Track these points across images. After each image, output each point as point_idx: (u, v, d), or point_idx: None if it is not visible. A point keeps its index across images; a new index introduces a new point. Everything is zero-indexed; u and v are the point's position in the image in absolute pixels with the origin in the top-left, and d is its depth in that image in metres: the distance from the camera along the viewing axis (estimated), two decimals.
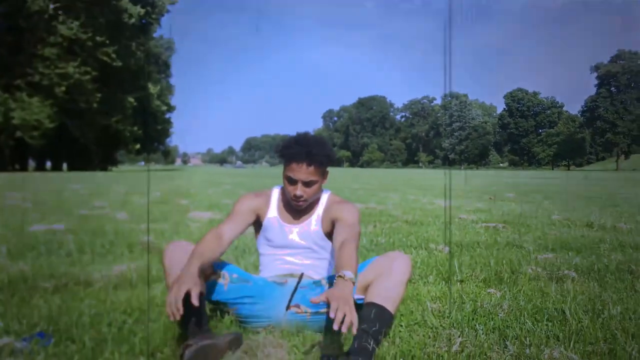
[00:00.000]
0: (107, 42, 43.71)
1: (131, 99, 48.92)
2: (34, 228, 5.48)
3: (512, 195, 12.42)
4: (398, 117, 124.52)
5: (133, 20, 46.29)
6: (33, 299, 2.77)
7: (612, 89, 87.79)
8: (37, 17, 40.46)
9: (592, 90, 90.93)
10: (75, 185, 16.35)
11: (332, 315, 1.65)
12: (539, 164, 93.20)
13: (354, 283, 1.87)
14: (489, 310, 2.59)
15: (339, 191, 2.51)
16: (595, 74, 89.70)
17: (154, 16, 50.88)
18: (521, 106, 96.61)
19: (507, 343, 2.12)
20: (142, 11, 47.09)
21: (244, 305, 2.30)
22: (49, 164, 53.05)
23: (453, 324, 2.38)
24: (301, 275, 2.32)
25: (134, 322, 2.37)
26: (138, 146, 58.46)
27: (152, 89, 54.29)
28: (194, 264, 2.03)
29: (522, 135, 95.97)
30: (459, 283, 3.22)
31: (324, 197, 2.48)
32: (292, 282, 2.32)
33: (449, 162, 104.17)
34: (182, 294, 1.83)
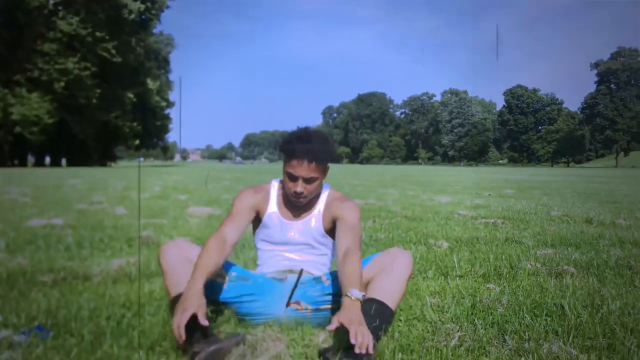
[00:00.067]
0: (107, 37, 43.65)
1: (130, 95, 48.89)
2: (33, 222, 5.47)
3: (511, 192, 12.43)
4: (397, 113, 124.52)
5: (133, 15, 46.23)
6: (32, 292, 2.77)
7: (612, 86, 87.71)
8: (37, 12, 40.38)
9: (592, 87, 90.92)
10: (73, 180, 16.34)
11: (352, 340, 1.73)
12: (538, 161, 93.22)
13: (361, 302, 1.89)
14: (488, 305, 2.59)
15: (339, 187, 2.49)
16: (595, 71, 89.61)
17: (153, 12, 50.76)
18: (521, 103, 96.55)
19: (506, 337, 2.12)
20: (142, 7, 47.00)
21: (243, 304, 2.28)
22: (48, 160, 53.00)
23: (452, 319, 2.38)
24: (301, 271, 2.33)
25: (132, 316, 2.37)
26: (137, 142, 58.47)
27: (152, 84, 54.23)
28: (199, 280, 1.97)
29: (522, 132, 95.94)
30: (458, 278, 3.22)
31: (325, 193, 2.45)
32: (292, 278, 2.31)
33: (448, 159, 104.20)
34: (186, 320, 1.80)
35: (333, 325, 1.78)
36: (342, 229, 2.27)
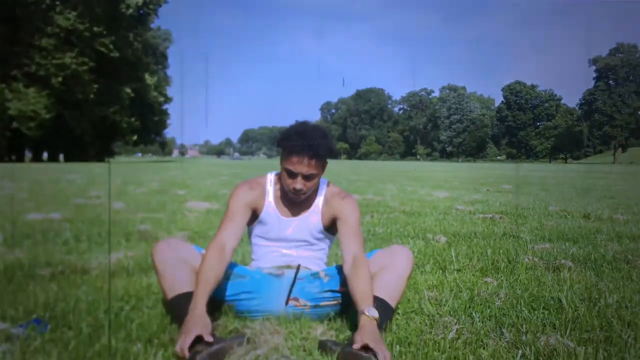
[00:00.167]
0: (105, 32, 43.52)
1: (128, 90, 48.77)
2: (30, 217, 5.47)
3: (509, 187, 12.45)
4: (396, 109, 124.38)
5: (130, 10, 46.09)
6: (29, 286, 2.76)
7: (611, 82, 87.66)
8: (34, 7, 40.22)
9: (590, 84, 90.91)
10: (71, 175, 16.32)
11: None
12: (536, 157, 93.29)
13: (377, 320, 1.89)
14: (486, 298, 2.59)
15: (337, 183, 2.47)
16: (594, 67, 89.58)
17: (151, 7, 50.58)
18: (519, 99, 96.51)
19: (504, 330, 2.12)
20: (140, 1, 46.86)
21: (241, 302, 2.26)
22: (45, 155, 52.89)
23: (450, 312, 2.38)
24: (298, 267, 2.31)
25: (131, 309, 2.37)
26: (135, 137, 58.37)
27: (149, 80, 54.11)
28: (202, 300, 1.93)
29: (520, 128, 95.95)
30: (455, 272, 3.23)
31: (323, 188, 2.39)
32: (289, 273, 2.29)
33: (446, 155, 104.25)
34: (189, 343, 1.76)
35: (358, 345, 1.76)
36: (346, 232, 2.24)
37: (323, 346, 1.89)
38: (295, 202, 2.34)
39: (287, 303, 2.24)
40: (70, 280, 2.91)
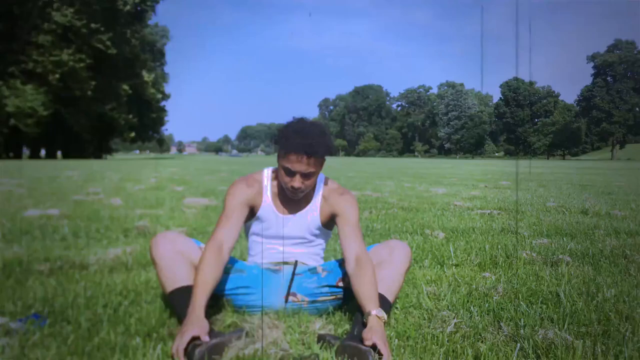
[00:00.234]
0: (102, 29, 43.45)
1: (126, 87, 48.70)
2: (29, 213, 5.46)
3: (507, 184, 12.46)
4: (394, 106, 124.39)
5: (128, 7, 46.01)
6: (28, 281, 2.77)
7: (609, 78, 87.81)
8: (31, 4, 40.13)
9: (588, 80, 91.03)
10: (69, 172, 16.30)
11: None
12: (534, 154, 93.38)
13: (385, 321, 1.90)
14: (484, 293, 2.60)
15: (335, 180, 2.46)
16: (592, 64, 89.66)
17: (149, 3, 50.49)
18: (517, 95, 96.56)
19: (502, 324, 2.13)
20: None
21: (238, 296, 2.26)
22: (43, 152, 52.83)
23: (448, 306, 2.39)
24: (296, 263, 2.31)
25: (129, 304, 2.37)
26: (133, 134, 58.31)
27: (147, 76, 54.02)
28: (200, 303, 1.90)
29: (518, 124, 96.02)
30: (454, 267, 3.23)
31: (321, 184, 2.36)
32: (287, 269, 2.29)
33: (444, 152, 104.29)
34: (185, 344, 1.74)
35: (369, 342, 1.76)
36: (346, 230, 2.22)
37: (322, 340, 1.90)
38: (293, 199, 2.31)
39: (286, 300, 2.24)
40: (69, 276, 2.91)
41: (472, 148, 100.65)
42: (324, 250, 2.50)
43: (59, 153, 53.12)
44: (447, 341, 1.94)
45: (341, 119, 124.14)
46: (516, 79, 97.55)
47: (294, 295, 2.25)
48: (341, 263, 2.29)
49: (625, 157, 75.74)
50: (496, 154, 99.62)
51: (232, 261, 2.31)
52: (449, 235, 4.42)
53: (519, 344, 1.90)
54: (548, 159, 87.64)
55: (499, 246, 3.84)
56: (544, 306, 2.38)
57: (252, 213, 2.33)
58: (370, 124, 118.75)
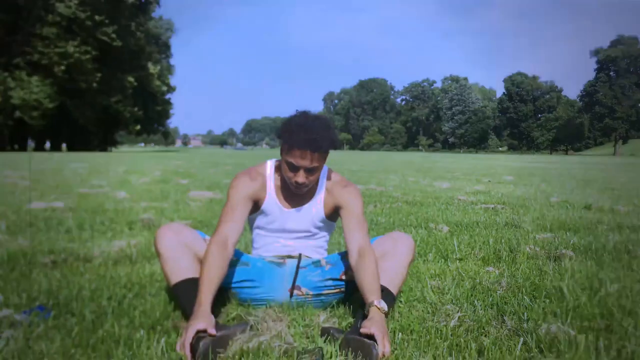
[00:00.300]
0: (107, 21, 43.38)
1: (131, 79, 48.67)
2: (33, 205, 5.48)
3: (511, 178, 12.43)
4: (398, 100, 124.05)
5: None
6: (32, 273, 2.78)
7: (612, 74, 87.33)
8: None
9: (591, 75, 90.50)
10: (74, 164, 16.34)
11: (386, 351, 1.75)
12: (537, 149, 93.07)
13: (386, 313, 1.90)
14: (488, 287, 2.60)
15: (339, 173, 2.45)
16: (595, 59, 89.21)
17: None
18: (521, 90, 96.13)
19: (505, 318, 2.13)
20: None
21: (243, 289, 2.26)
22: (48, 145, 52.93)
23: (452, 300, 2.39)
24: (300, 256, 2.30)
25: (134, 296, 2.38)
26: (138, 127, 58.34)
27: (152, 69, 53.97)
28: (206, 297, 1.89)
29: (522, 119, 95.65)
30: (458, 261, 3.23)
31: (324, 177, 2.34)
32: (291, 262, 2.29)
33: (448, 146, 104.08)
34: (190, 338, 1.73)
35: (366, 330, 1.77)
36: (350, 222, 2.21)
37: (326, 333, 1.90)
38: (296, 192, 2.30)
39: (291, 295, 2.24)
40: (73, 268, 2.92)
41: (476, 142, 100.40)
42: (328, 242, 2.49)
43: (63, 145, 53.21)
44: (451, 335, 1.95)
45: (346, 112, 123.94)
46: (519, 73, 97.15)
47: (298, 288, 2.25)
48: (344, 256, 2.29)
49: (628, 153, 75.41)
50: (500, 149, 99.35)
51: (236, 254, 2.30)
52: (453, 229, 4.42)
53: (522, 338, 1.90)
54: (551, 154, 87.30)
55: (503, 240, 3.84)
56: (547, 300, 2.38)
57: (256, 206, 2.31)
58: (374, 117, 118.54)
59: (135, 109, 51.48)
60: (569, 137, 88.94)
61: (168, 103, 63.01)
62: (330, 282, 2.28)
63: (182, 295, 2.09)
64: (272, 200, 2.30)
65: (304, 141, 2.07)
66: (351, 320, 2.11)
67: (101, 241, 3.74)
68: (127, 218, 4.79)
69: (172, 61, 63.57)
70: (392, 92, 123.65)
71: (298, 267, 2.27)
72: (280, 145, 2.21)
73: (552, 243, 3.81)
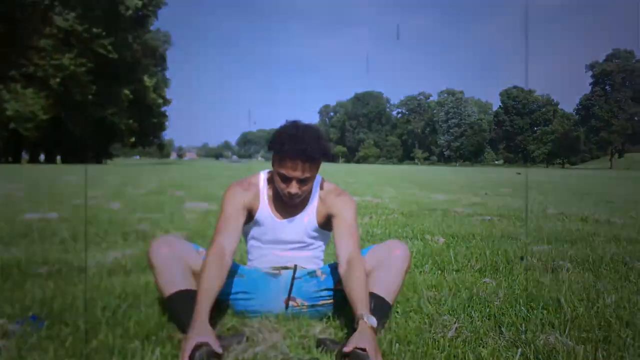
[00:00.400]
0: (104, 34, 43.48)
1: (127, 92, 48.71)
2: (27, 216, 5.45)
3: (507, 191, 12.46)
4: (394, 113, 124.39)
5: (130, 12, 46.07)
6: (26, 283, 2.76)
7: (607, 87, 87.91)
8: (33, 7, 40.20)
9: (587, 89, 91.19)
10: (68, 176, 16.29)
11: None
12: (534, 162, 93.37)
13: (373, 328, 1.84)
14: (485, 298, 2.59)
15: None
16: (591, 73, 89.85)
17: (150, 8, 50.62)
18: (517, 104, 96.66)
19: (503, 329, 2.12)
20: (139, 3, 46.83)
21: (238, 301, 2.25)
22: (42, 157, 52.79)
23: (449, 311, 2.38)
24: (295, 267, 2.29)
25: (128, 307, 2.35)
26: (133, 139, 58.28)
27: (148, 81, 54.05)
28: (205, 307, 1.86)
29: (518, 132, 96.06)
30: (454, 272, 3.23)
31: (317, 186, 2.33)
32: (286, 273, 2.27)
33: (444, 159, 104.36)
34: (189, 351, 1.70)
35: (349, 348, 1.71)
36: (341, 230, 2.19)
37: (321, 344, 1.88)
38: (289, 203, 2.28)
39: (287, 306, 2.22)
40: (67, 279, 2.90)
41: (472, 156, 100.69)
42: (324, 252, 2.48)
43: (58, 158, 53.07)
44: (448, 346, 1.93)
45: (341, 125, 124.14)
46: (515, 87, 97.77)
47: (294, 299, 2.23)
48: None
49: (624, 167, 75.75)
50: (496, 162, 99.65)
51: (232, 265, 2.26)
52: (449, 240, 4.42)
53: (520, 349, 1.89)
54: (547, 167, 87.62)
55: (500, 252, 3.84)
56: (545, 312, 2.37)
57: (250, 216, 2.30)
58: (370, 130, 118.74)
59: (131, 121, 51.44)
60: (565, 151, 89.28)
61: (163, 115, 63.02)
62: (325, 293, 2.27)
63: (176, 307, 2.08)
64: (265, 210, 2.29)
65: (295, 152, 2.06)
66: (347, 331, 2.09)
67: (95, 252, 3.71)
68: (121, 229, 4.77)
69: (168, 74, 63.64)
70: (388, 105, 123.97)
71: (293, 278, 2.26)
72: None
73: (549, 255, 3.81)
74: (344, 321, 2.20)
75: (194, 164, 66.67)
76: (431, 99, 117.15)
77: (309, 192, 2.30)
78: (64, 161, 50.68)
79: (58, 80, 41.37)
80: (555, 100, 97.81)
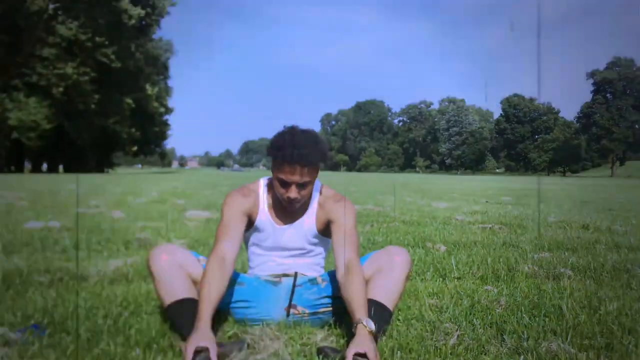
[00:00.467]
0: (106, 43, 43.70)
1: (129, 101, 48.86)
2: (29, 225, 5.45)
3: (508, 199, 12.44)
4: (395, 121, 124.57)
5: (133, 21, 46.30)
6: (28, 292, 2.76)
7: (608, 95, 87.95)
8: (36, 17, 40.41)
9: (588, 97, 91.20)
10: (71, 185, 16.31)
11: None
12: (535, 170, 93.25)
13: (372, 333, 1.84)
14: (487, 305, 2.59)
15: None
16: (592, 81, 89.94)
17: (153, 17, 50.89)
18: (517, 112, 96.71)
19: (505, 337, 2.12)
20: (142, 12, 47.08)
21: (238, 310, 2.24)
22: (45, 166, 52.88)
23: (450, 319, 2.37)
24: (295, 275, 2.29)
25: (130, 315, 2.36)
26: (135, 148, 58.41)
27: (150, 90, 54.22)
28: (207, 313, 1.87)
29: (519, 140, 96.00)
30: (456, 280, 3.22)
31: (316, 192, 2.34)
32: (287, 281, 2.27)
33: (445, 167, 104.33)
34: (190, 355, 1.71)
35: (350, 354, 1.72)
36: (339, 236, 2.20)
37: (322, 352, 1.88)
38: (289, 209, 2.29)
39: (288, 314, 2.22)
40: (69, 287, 2.90)
41: (473, 164, 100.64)
42: (325, 259, 2.48)
43: (60, 167, 53.17)
44: (450, 354, 1.93)
45: (343, 134, 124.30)
46: (516, 95, 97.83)
47: (295, 307, 2.23)
48: None
49: (626, 174, 75.66)
50: (497, 170, 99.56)
51: (232, 274, 2.27)
52: (450, 248, 4.41)
53: (522, 357, 1.89)
54: (548, 175, 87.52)
55: (501, 259, 3.83)
56: (547, 319, 2.36)
57: (250, 223, 2.31)
58: (371, 139, 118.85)
59: (133, 130, 51.56)
60: (566, 159, 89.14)
61: (165, 124, 63.18)
62: (326, 300, 2.26)
63: (177, 316, 2.08)
64: (264, 216, 2.30)
65: (293, 156, 2.07)
66: (349, 339, 2.08)
67: (97, 260, 3.72)
68: (123, 237, 4.78)
69: (171, 82, 63.80)
70: (389, 114, 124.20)
71: (294, 285, 2.25)
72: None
73: (551, 262, 3.80)
74: (345, 329, 2.20)
75: (196, 172, 66.72)
76: (432, 107, 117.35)
77: (309, 198, 2.31)
78: (66, 170, 50.79)
79: (61, 89, 41.52)
80: (556, 108, 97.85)
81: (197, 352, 1.72)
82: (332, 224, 2.26)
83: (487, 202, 11.26)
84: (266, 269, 2.34)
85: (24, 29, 40.49)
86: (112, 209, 7.79)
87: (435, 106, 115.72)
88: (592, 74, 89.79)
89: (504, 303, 2.62)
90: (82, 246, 4.29)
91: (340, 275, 2.09)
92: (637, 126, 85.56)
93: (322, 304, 2.26)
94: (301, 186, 2.15)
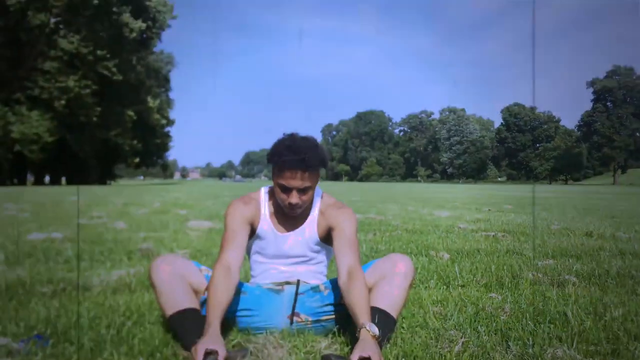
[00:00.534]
0: (108, 56, 43.89)
1: (131, 113, 49.02)
2: (32, 236, 5.46)
3: (510, 207, 12.43)
4: (396, 131, 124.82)
5: (134, 34, 46.52)
6: (31, 302, 2.75)
7: (609, 104, 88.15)
8: (38, 30, 40.66)
9: (589, 105, 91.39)
10: (73, 197, 16.33)
11: None
12: (536, 178, 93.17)
13: (376, 337, 1.84)
14: (491, 312, 2.57)
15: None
16: (592, 89, 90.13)
17: (154, 30, 51.16)
18: (518, 121, 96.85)
19: (510, 344, 2.10)
20: (143, 26, 47.32)
21: (241, 318, 2.24)
22: (47, 179, 52.97)
23: (455, 326, 2.36)
24: (298, 282, 2.28)
25: (133, 324, 2.35)
26: (137, 160, 58.52)
27: (152, 102, 54.41)
28: (216, 320, 1.89)
29: (520, 149, 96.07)
30: (460, 288, 3.21)
31: (317, 199, 2.35)
32: (289, 289, 2.26)
33: (447, 176, 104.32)
34: (201, 357, 1.72)
35: (355, 358, 1.72)
36: (341, 243, 2.20)
37: (327, 359, 1.87)
38: (290, 216, 2.30)
39: (291, 322, 2.21)
40: (72, 297, 2.90)
41: (475, 173, 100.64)
42: (327, 267, 2.47)
43: (63, 179, 53.26)
44: None
45: (344, 144, 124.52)
46: (517, 104, 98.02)
47: (298, 315, 2.22)
48: None
49: (628, 182, 75.59)
50: (499, 179, 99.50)
51: None
52: (454, 256, 4.40)
53: None
54: (550, 183, 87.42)
55: (505, 267, 3.82)
56: (552, 326, 2.35)
57: (252, 231, 2.32)
58: (372, 149, 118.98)
59: (135, 142, 51.67)
60: (567, 167, 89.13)
61: (167, 136, 63.36)
62: (329, 308, 2.25)
63: (179, 327, 2.08)
64: (266, 224, 2.31)
65: (293, 162, 2.09)
66: (353, 347, 2.07)
67: (100, 271, 3.71)
68: (126, 248, 4.78)
69: (172, 94, 64.08)
70: (390, 124, 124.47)
71: (297, 293, 2.25)
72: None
73: (555, 269, 3.79)
74: (349, 336, 2.19)
75: (198, 183, 66.77)
76: (433, 117, 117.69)
77: (310, 206, 2.32)
78: (68, 182, 50.86)
79: (63, 102, 41.66)
80: (557, 117, 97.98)
81: (207, 354, 1.73)
82: (333, 231, 2.27)
83: (489, 210, 11.25)
84: (268, 277, 2.33)
85: (26, 43, 40.73)
86: (115, 219, 7.80)
87: (436, 116, 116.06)
88: (592, 83, 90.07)
89: (508, 310, 2.61)
90: (84, 257, 4.29)
91: (342, 281, 2.09)
92: (638, 134, 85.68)
93: (325, 312, 2.25)
94: (302, 191, 2.17)
